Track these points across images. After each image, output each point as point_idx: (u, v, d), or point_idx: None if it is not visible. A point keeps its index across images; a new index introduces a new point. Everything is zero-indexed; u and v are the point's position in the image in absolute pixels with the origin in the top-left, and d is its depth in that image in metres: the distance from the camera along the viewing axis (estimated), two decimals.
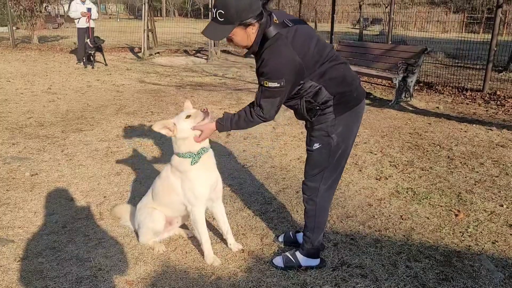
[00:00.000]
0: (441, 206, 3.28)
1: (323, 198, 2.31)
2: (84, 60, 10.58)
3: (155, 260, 2.54)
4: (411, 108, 6.63)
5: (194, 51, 14.40)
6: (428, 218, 3.09)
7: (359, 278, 2.38)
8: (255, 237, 2.81)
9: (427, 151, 4.57)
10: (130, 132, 5.15)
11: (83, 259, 2.54)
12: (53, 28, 22.63)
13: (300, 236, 2.63)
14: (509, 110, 6.43)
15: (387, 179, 3.81)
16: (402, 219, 3.07)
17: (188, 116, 2.34)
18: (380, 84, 8.49)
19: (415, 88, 7.63)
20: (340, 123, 2.14)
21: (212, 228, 2.87)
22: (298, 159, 4.27)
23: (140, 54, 12.72)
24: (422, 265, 2.50)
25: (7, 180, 3.70)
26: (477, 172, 3.97)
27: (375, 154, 4.47)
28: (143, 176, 3.80)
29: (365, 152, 4.51)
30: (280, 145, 4.76)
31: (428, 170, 4.01)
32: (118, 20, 30.33)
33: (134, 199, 3.24)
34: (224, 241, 2.70)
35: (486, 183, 3.71)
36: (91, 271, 2.42)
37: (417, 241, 2.77)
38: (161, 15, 41.78)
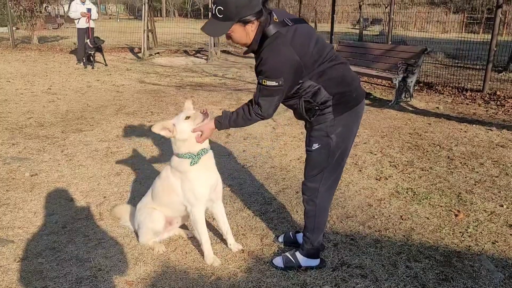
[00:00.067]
0: (441, 206, 3.28)
1: (323, 199, 2.31)
2: (84, 61, 10.58)
3: (155, 261, 2.54)
4: (411, 108, 6.63)
5: (194, 52, 14.41)
6: (428, 218, 3.09)
7: (359, 278, 2.38)
8: (255, 237, 2.81)
9: (427, 151, 4.57)
10: (130, 132, 5.15)
11: (83, 259, 2.54)
12: (53, 28, 22.62)
13: (300, 237, 2.63)
14: (509, 110, 6.43)
15: (387, 179, 3.81)
16: (402, 219, 3.07)
17: (187, 117, 2.33)
18: (380, 84, 8.49)
19: (415, 88, 7.63)
20: (339, 123, 2.14)
21: (212, 228, 2.87)
22: (298, 159, 4.27)
23: (140, 55, 12.72)
24: (422, 265, 2.50)
25: (7, 180, 3.70)
26: (477, 172, 3.97)
27: (375, 154, 4.47)
28: (143, 177, 3.80)
29: (365, 152, 4.51)
30: (280, 145, 4.75)
31: (428, 170, 4.01)
32: (118, 20, 30.34)
33: (134, 200, 3.24)
34: (224, 241, 2.70)
35: (486, 183, 3.71)
36: (91, 271, 2.42)
37: (417, 241, 2.77)
38: (161, 16, 41.78)
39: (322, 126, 2.15)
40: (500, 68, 10.03)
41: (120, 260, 2.54)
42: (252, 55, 2.17)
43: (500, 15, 7.38)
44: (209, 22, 2.04)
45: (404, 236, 2.84)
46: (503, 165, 4.15)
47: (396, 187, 3.64)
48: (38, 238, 2.77)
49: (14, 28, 14.96)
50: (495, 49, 7.53)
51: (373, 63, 7.69)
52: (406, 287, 2.31)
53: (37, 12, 15.25)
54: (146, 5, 12.21)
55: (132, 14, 46.45)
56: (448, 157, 4.37)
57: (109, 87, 8.14)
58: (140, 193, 3.23)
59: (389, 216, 3.12)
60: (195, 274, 2.40)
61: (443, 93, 7.82)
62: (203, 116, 2.31)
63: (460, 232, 2.89)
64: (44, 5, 16.86)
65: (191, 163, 2.37)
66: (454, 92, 7.79)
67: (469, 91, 7.69)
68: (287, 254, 2.50)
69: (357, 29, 18.19)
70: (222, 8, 1.94)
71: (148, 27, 12.60)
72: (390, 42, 9.81)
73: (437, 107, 6.68)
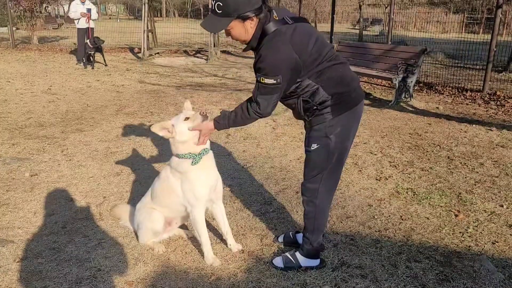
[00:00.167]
0: (441, 207, 3.27)
1: (323, 200, 2.31)
2: (84, 61, 10.58)
3: (154, 261, 2.53)
4: (411, 109, 6.63)
5: (194, 52, 14.41)
6: (428, 218, 3.09)
7: (359, 278, 2.38)
8: (255, 237, 2.81)
9: (427, 151, 4.57)
10: (130, 132, 5.15)
11: (83, 259, 2.54)
12: (53, 28, 22.63)
13: (299, 237, 2.63)
14: (509, 111, 6.43)
15: (387, 179, 3.81)
16: (402, 219, 3.07)
17: (186, 118, 2.33)
18: (380, 85, 8.49)
19: (415, 88, 7.63)
20: (338, 123, 2.13)
21: (212, 228, 2.87)
22: (298, 159, 4.27)
23: (140, 55, 12.72)
24: (422, 266, 2.50)
25: (7, 180, 3.70)
26: (477, 172, 3.97)
27: (375, 154, 4.47)
28: (143, 177, 3.80)
29: (365, 153, 4.51)
30: (280, 145, 4.75)
31: (428, 171, 4.01)
32: (118, 20, 30.33)
33: (134, 200, 3.23)
34: (224, 241, 2.69)
35: (486, 184, 3.71)
36: (91, 271, 2.42)
37: (417, 241, 2.77)
38: (161, 16, 41.78)
39: (321, 127, 2.14)
40: (500, 68, 10.02)
41: (120, 260, 2.54)
42: (253, 55, 2.16)
43: (500, 15, 7.38)
44: (208, 18, 2.04)
45: (404, 236, 2.83)
46: (503, 165, 4.15)
47: (396, 187, 3.64)
48: (38, 238, 2.77)
49: (14, 28, 14.96)
50: (495, 49, 7.53)
51: (373, 63, 7.69)
52: (406, 287, 2.31)
53: (37, 12, 15.27)
54: (146, 5, 12.22)
55: (132, 14, 46.46)
56: (448, 157, 4.37)
57: (109, 87, 8.14)
58: (140, 193, 3.22)
59: (389, 216, 3.12)
60: (195, 274, 2.40)
61: (443, 93, 7.82)
62: (202, 118, 2.30)
63: (460, 232, 2.89)
64: (44, 5, 16.90)
65: (192, 163, 2.36)
66: (454, 92, 7.79)
67: (469, 91, 7.69)
68: (287, 254, 2.50)
69: (357, 29, 18.20)
70: (221, 4, 1.95)
71: (148, 27, 12.60)
72: (390, 42, 9.80)
73: (437, 107, 6.68)
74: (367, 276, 2.40)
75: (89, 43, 10.28)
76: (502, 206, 3.28)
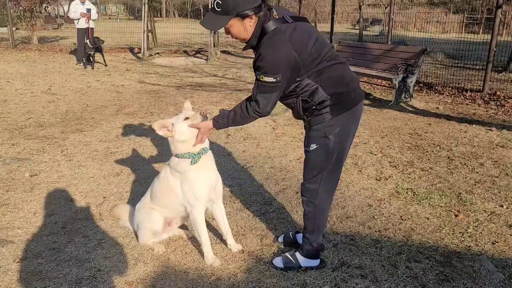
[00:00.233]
0: (441, 207, 3.27)
1: (323, 201, 2.30)
2: (83, 61, 10.58)
3: (154, 261, 2.53)
4: (410, 109, 6.63)
5: (194, 52, 14.41)
6: (428, 218, 3.09)
7: (359, 278, 2.38)
8: (255, 237, 2.81)
9: (427, 151, 4.57)
10: (130, 132, 5.15)
11: (83, 260, 2.54)
12: (52, 28, 22.63)
13: (299, 237, 2.63)
14: (509, 111, 6.43)
15: (387, 179, 3.81)
16: (402, 219, 3.07)
17: (186, 118, 2.33)
18: (380, 85, 8.49)
19: (415, 88, 7.63)
20: (337, 124, 2.13)
21: (212, 228, 2.86)
22: (298, 159, 4.27)
23: (139, 55, 12.72)
24: (422, 266, 2.50)
25: (7, 180, 3.70)
26: (477, 172, 3.97)
27: (375, 154, 4.47)
28: (143, 177, 3.80)
29: (365, 153, 4.51)
30: (280, 145, 4.75)
31: (428, 171, 4.01)
32: (118, 20, 30.33)
33: (134, 200, 3.23)
34: (223, 241, 2.69)
35: (486, 184, 3.71)
36: (91, 272, 2.42)
37: (417, 241, 2.77)
38: (161, 16, 41.76)
39: (320, 127, 2.14)
40: (500, 68, 10.02)
41: (119, 260, 2.54)
42: (252, 55, 2.16)
43: (500, 15, 7.38)
44: (207, 16, 2.05)
45: (404, 236, 2.83)
46: (503, 165, 4.15)
47: (396, 187, 3.64)
48: (37, 239, 2.77)
49: (14, 29, 14.95)
50: (495, 49, 7.53)
51: (373, 63, 7.69)
52: (406, 287, 2.31)
53: (37, 12, 15.27)
54: (146, 5, 12.21)
55: (132, 14, 46.45)
56: (448, 157, 4.37)
57: (109, 88, 8.14)
58: (139, 193, 3.22)
59: (389, 216, 3.12)
60: (195, 275, 2.40)
61: (443, 93, 7.82)
62: (202, 118, 2.30)
63: (460, 232, 2.89)
64: (44, 5, 16.89)
65: (191, 162, 2.36)
66: (454, 92, 7.79)
67: (469, 91, 7.69)
68: (287, 254, 2.50)
69: (357, 29, 18.20)
70: (220, 2, 1.95)
71: (148, 27, 12.60)
72: (390, 42, 9.81)
73: (437, 107, 6.68)
74: (367, 276, 2.40)
75: (89, 43, 10.28)
76: (502, 206, 3.28)
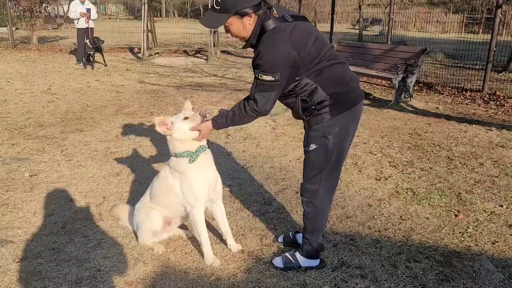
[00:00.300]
0: (441, 207, 3.27)
1: (322, 201, 2.30)
2: (83, 61, 10.58)
3: (154, 261, 2.53)
4: (410, 109, 6.63)
5: (193, 52, 14.41)
6: (427, 218, 3.09)
7: (359, 278, 2.37)
8: (255, 237, 2.81)
9: (427, 151, 4.57)
10: (130, 132, 5.15)
11: (83, 260, 2.54)
12: (52, 28, 22.61)
13: (299, 237, 2.63)
14: (508, 111, 6.43)
15: (386, 179, 3.81)
16: (402, 219, 3.07)
17: (186, 118, 2.33)
18: (380, 85, 8.49)
19: (415, 88, 7.63)
20: (336, 124, 2.12)
21: (212, 228, 2.86)
22: (298, 159, 4.27)
23: (139, 55, 12.72)
24: (422, 266, 2.50)
25: (7, 180, 3.70)
26: (477, 172, 3.97)
27: (375, 154, 4.47)
28: (143, 177, 3.80)
29: (365, 153, 4.51)
30: (280, 145, 4.75)
31: (427, 171, 4.01)
32: (118, 20, 30.32)
33: (134, 200, 3.23)
34: (223, 241, 2.69)
35: (486, 184, 3.71)
36: (90, 272, 2.42)
37: (416, 241, 2.77)
38: (160, 16, 41.75)
39: (319, 126, 2.14)
40: (499, 68, 10.02)
41: (119, 260, 2.54)
42: (252, 55, 2.16)
43: (500, 15, 7.38)
44: (207, 14, 2.05)
45: (404, 236, 2.83)
46: (503, 165, 4.15)
47: (396, 187, 3.64)
48: (37, 239, 2.77)
49: (13, 28, 14.95)
50: (494, 49, 7.53)
51: (373, 63, 7.69)
52: (406, 287, 2.31)
53: (36, 12, 15.25)
54: (146, 5, 12.21)
55: (131, 14, 46.42)
56: (448, 157, 4.37)
57: (109, 87, 8.14)
58: (139, 193, 3.22)
59: (389, 216, 3.12)
60: (195, 275, 2.40)
61: (442, 93, 7.82)
62: (202, 118, 2.30)
63: (460, 232, 2.89)
64: (44, 5, 16.87)
65: (190, 160, 2.36)
66: (453, 92, 7.79)
67: (468, 91, 7.69)
68: (287, 254, 2.50)
69: (356, 29, 18.19)
70: (220, 0, 1.96)
71: (147, 27, 12.59)
72: (389, 42, 9.81)
73: (437, 107, 6.68)
74: (367, 276, 2.40)
75: (88, 43, 10.27)
76: (502, 206, 3.28)
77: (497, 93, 7.35)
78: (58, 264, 2.49)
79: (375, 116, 6.09)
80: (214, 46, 12.82)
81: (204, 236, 2.50)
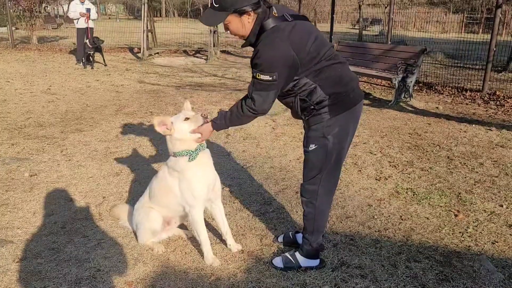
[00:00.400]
0: (441, 207, 3.27)
1: (322, 202, 2.30)
2: (83, 61, 10.58)
3: (154, 261, 2.53)
4: (410, 108, 6.63)
5: (193, 52, 14.40)
6: (427, 218, 3.09)
7: (359, 278, 2.37)
8: (255, 237, 2.81)
9: (427, 151, 4.57)
10: (129, 132, 5.15)
11: (82, 259, 2.53)
12: (52, 28, 22.61)
13: (299, 237, 2.62)
14: (508, 110, 6.43)
15: (386, 179, 3.81)
16: (402, 219, 3.07)
17: (187, 119, 2.33)
18: (380, 85, 8.49)
19: (415, 88, 7.63)
20: (336, 124, 2.12)
21: (212, 228, 2.86)
22: (298, 159, 4.26)
23: (139, 55, 12.72)
24: (422, 266, 2.50)
25: (6, 180, 3.70)
26: (477, 172, 3.97)
27: (375, 154, 4.47)
28: (142, 177, 3.80)
29: (365, 152, 4.51)
30: (280, 145, 4.75)
31: (427, 171, 4.01)
32: (118, 20, 30.32)
33: (133, 200, 3.23)
34: (223, 241, 2.69)
35: (486, 183, 3.71)
36: (90, 272, 2.42)
37: (416, 241, 2.77)
38: (160, 16, 41.75)
39: (319, 127, 2.13)
40: (499, 68, 10.02)
41: (119, 260, 2.53)
42: (250, 46, 2.15)
43: (500, 15, 7.38)
44: (206, 12, 2.06)
45: (404, 236, 2.83)
46: (503, 165, 4.15)
47: (396, 187, 3.64)
48: (37, 239, 2.77)
49: (13, 28, 14.94)
50: (494, 49, 7.53)
51: (373, 63, 7.69)
52: (406, 287, 2.31)
53: (36, 12, 15.23)
54: (146, 5, 12.21)
55: (131, 14, 46.41)
56: (448, 157, 4.37)
57: (109, 87, 8.13)
58: (139, 193, 3.21)
59: (389, 216, 3.12)
60: (195, 275, 2.40)
61: (442, 93, 7.82)
62: (203, 120, 2.30)
63: (460, 232, 2.89)
64: (44, 5, 16.85)
65: (189, 159, 2.36)
66: (453, 92, 7.79)
67: (468, 91, 7.69)
68: (287, 254, 2.50)
69: (356, 29, 18.20)
70: None
71: (147, 27, 12.59)
72: (389, 42, 9.80)
73: (437, 107, 6.68)
74: (367, 276, 2.40)
75: (88, 43, 10.27)
76: (501, 206, 3.28)
77: (497, 93, 7.35)
78: (58, 264, 2.49)
79: (375, 116, 6.09)
80: (214, 46, 12.82)
81: (203, 236, 2.49)
